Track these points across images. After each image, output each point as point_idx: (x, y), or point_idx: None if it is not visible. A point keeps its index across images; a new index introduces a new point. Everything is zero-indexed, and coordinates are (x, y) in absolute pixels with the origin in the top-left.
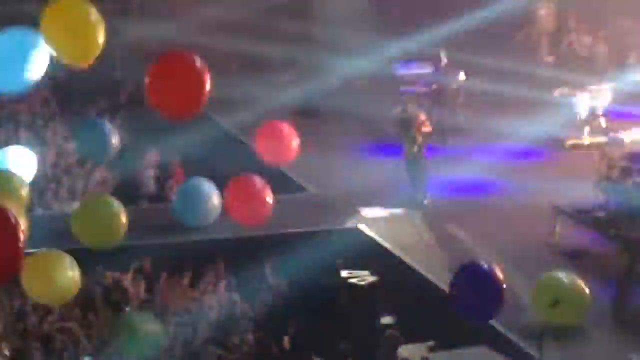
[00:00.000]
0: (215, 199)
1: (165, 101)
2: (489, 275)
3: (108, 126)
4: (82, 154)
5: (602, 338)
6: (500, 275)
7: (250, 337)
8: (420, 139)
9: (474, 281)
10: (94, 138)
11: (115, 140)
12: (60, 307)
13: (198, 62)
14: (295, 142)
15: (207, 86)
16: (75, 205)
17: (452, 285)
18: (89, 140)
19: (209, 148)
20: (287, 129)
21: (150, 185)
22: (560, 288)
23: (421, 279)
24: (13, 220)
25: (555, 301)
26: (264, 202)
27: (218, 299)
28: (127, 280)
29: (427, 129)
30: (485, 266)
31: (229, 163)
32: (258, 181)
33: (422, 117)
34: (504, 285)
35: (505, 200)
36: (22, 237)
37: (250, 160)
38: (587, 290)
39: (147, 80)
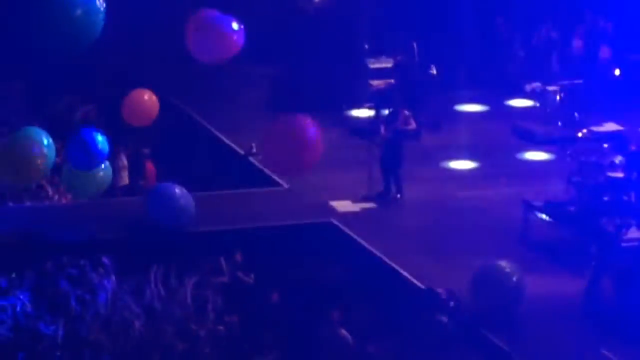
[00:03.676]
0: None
1: None
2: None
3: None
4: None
5: (573, 330)
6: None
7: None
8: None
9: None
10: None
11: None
12: None
13: None
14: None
15: None
16: None
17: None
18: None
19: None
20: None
21: (124, 178)
22: None
23: (393, 274)
24: None
25: None
26: None
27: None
28: None
29: (411, 126)
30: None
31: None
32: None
33: (406, 113)
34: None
35: (478, 194)
36: None
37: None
38: None
39: None
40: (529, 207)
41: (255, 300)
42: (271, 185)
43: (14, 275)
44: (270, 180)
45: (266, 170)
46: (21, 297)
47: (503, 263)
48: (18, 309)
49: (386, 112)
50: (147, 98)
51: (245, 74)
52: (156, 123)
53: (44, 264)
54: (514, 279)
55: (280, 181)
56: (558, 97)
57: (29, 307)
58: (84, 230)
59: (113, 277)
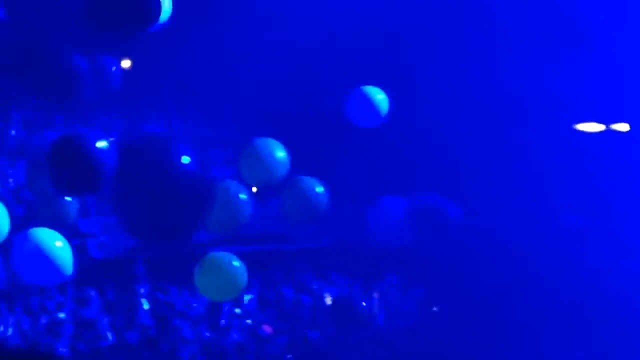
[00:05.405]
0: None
1: None
2: None
3: None
4: None
5: None
6: None
7: None
8: None
9: None
10: None
11: None
12: None
13: None
14: None
15: None
16: None
17: None
18: None
19: None
20: None
21: None
22: None
23: None
24: None
25: None
26: None
27: None
28: None
29: None
30: None
31: None
32: None
33: None
34: None
35: None
36: None
37: None
38: None
39: None
40: None
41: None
42: None
43: None
44: None
45: None
46: (247, 301)
47: None
48: (244, 313)
49: None
50: None
51: None
52: None
53: (271, 269)
54: None
55: None
56: None
57: (254, 311)
58: (310, 237)
59: (338, 284)
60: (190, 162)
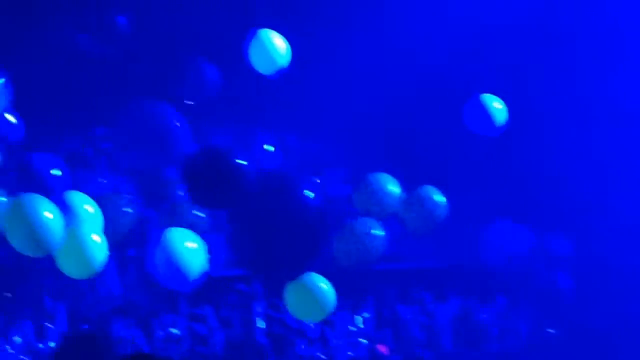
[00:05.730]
0: None
1: None
2: None
3: None
4: None
5: None
6: None
7: None
8: None
9: None
10: None
11: None
12: None
13: None
14: None
15: None
16: None
17: None
18: None
19: None
20: None
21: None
22: None
23: None
24: None
25: None
26: None
27: None
28: None
29: None
30: None
31: None
32: None
33: None
34: None
35: None
36: None
37: None
38: None
39: None
40: None
41: None
42: None
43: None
44: None
45: None
46: (363, 320)
47: None
48: (359, 332)
49: None
50: None
51: None
52: None
53: (387, 289)
54: None
55: None
56: None
57: (370, 330)
58: (426, 256)
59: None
60: (313, 198)
